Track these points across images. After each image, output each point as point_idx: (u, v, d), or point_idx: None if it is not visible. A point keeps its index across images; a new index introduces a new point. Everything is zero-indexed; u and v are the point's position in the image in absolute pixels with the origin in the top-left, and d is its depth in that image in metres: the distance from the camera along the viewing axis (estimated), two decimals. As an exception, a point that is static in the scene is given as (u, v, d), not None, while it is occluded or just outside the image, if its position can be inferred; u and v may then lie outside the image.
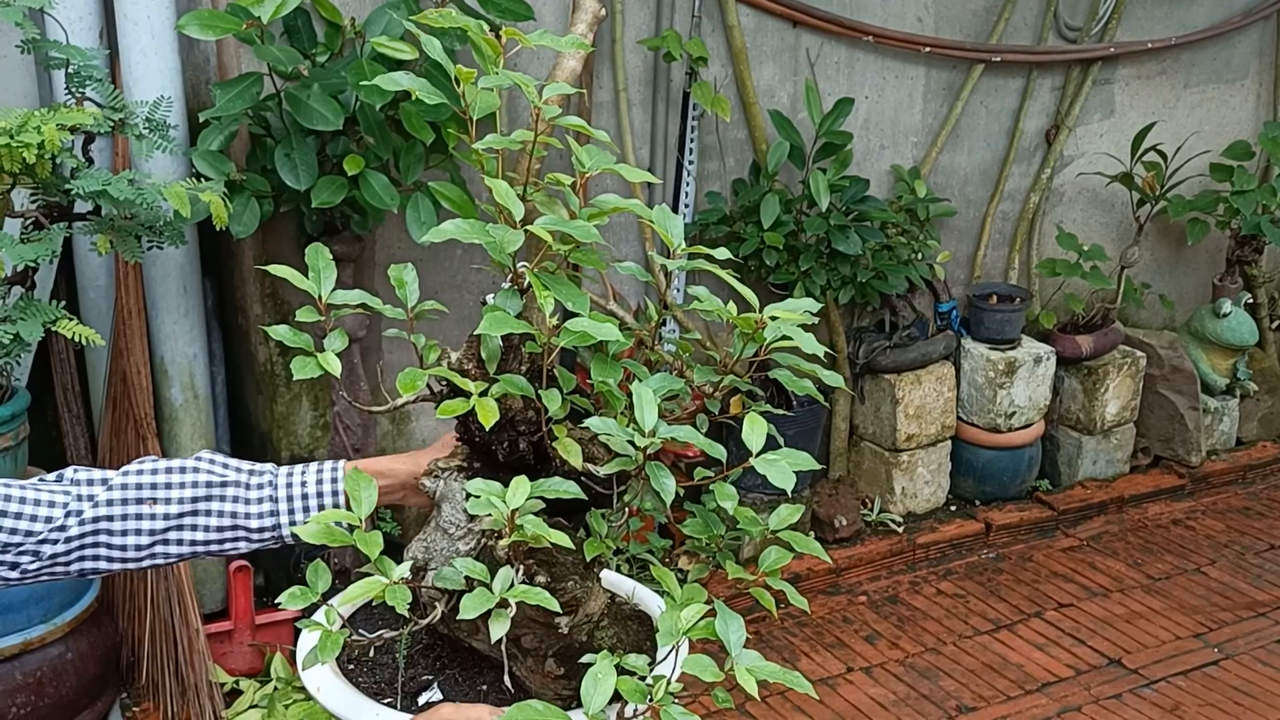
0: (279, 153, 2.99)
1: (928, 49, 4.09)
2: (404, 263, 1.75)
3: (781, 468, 1.57)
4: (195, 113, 3.31)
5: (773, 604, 1.65)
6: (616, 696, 1.48)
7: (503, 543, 1.56)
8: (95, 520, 1.66)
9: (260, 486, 1.72)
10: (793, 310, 1.74)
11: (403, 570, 1.58)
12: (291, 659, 3.40)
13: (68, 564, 1.68)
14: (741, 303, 1.78)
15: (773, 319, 1.71)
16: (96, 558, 1.68)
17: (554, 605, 1.53)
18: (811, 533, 4.13)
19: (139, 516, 1.68)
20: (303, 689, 3.36)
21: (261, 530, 1.72)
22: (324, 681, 1.70)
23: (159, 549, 1.70)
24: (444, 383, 1.70)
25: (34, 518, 1.64)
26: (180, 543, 1.70)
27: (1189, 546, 4.35)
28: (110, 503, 1.67)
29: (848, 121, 3.88)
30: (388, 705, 1.67)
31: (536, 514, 1.61)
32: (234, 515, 1.71)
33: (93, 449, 3.53)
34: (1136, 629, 3.83)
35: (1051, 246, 4.60)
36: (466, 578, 1.59)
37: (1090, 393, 4.49)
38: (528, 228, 1.61)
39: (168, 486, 1.69)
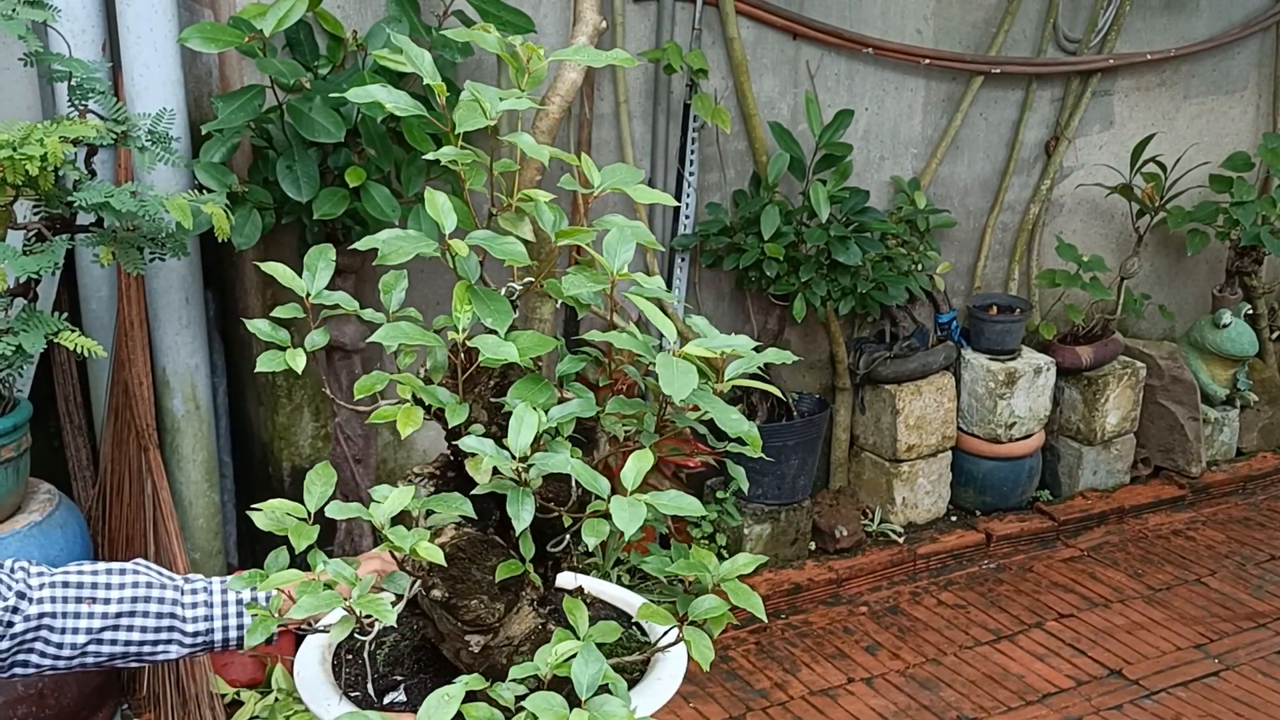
0: (281, 165, 3.00)
1: (927, 61, 4.11)
2: (402, 272, 1.77)
3: (638, 509, 1.54)
4: (197, 125, 3.33)
5: (704, 657, 1.63)
6: None
7: (376, 549, 1.61)
8: (40, 616, 1.65)
9: (195, 592, 1.74)
10: (712, 347, 1.67)
11: (335, 567, 1.61)
12: (292, 669, 3.40)
13: (7, 661, 1.67)
14: (747, 320, 1.77)
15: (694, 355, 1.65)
16: (30, 653, 1.67)
17: (388, 617, 1.53)
18: (812, 543, 4.13)
19: (78, 615, 1.67)
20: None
21: (195, 634, 1.73)
22: (304, 666, 1.76)
23: (92, 648, 1.69)
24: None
25: (8, 606, 1.63)
26: (114, 643, 1.70)
27: (1189, 557, 4.35)
28: (53, 599, 1.66)
29: (848, 133, 3.89)
30: (355, 698, 1.71)
31: (464, 524, 1.65)
32: (171, 616, 1.72)
33: (94, 460, 3.54)
34: (1137, 640, 3.83)
35: (1051, 257, 4.60)
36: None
37: (1090, 403, 4.50)
38: (452, 240, 1.63)
39: (107, 586, 1.69)
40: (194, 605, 1.73)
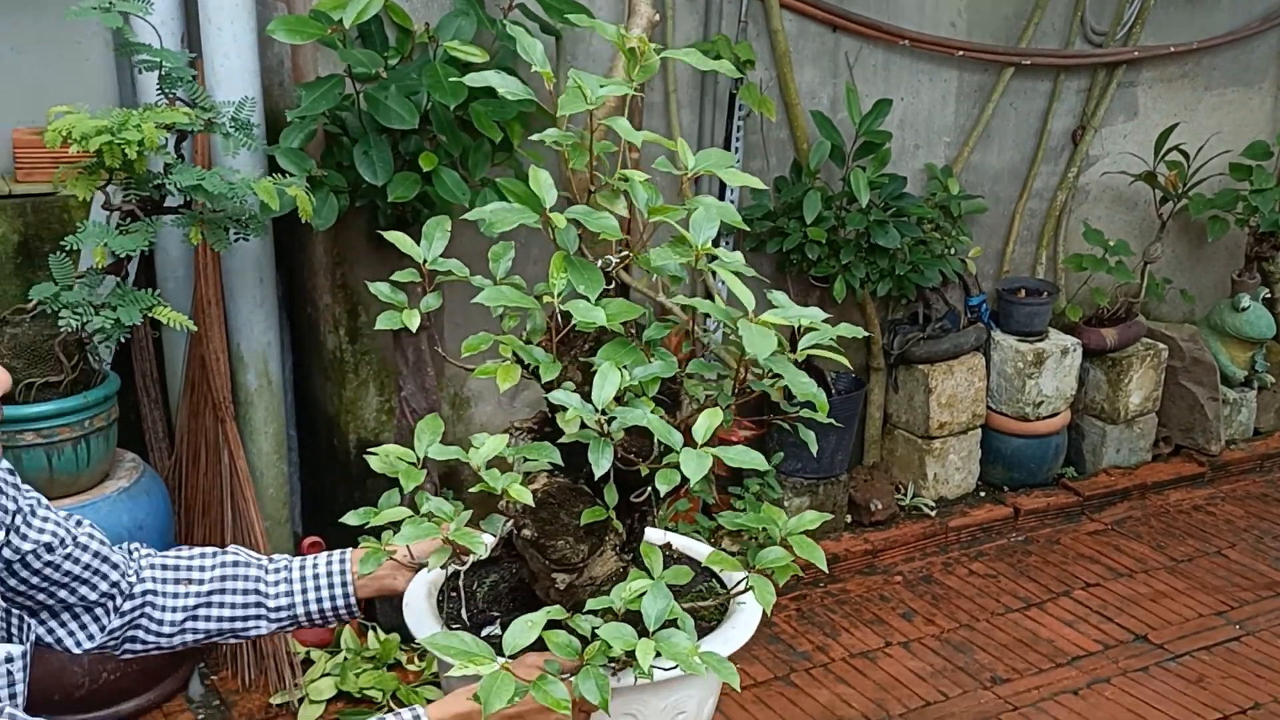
0: (358, 150, 3.17)
1: (961, 53, 4.27)
2: (473, 252, 1.92)
3: (705, 460, 1.63)
4: (270, 112, 3.50)
5: (766, 601, 1.78)
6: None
7: (473, 489, 1.75)
8: (144, 595, 1.79)
9: (278, 570, 1.87)
10: (788, 317, 1.82)
11: (435, 504, 1.77)
12: (360, 631, 3.58)
13: (120, 638, 1.80)
14: (763, 303, 1.90)
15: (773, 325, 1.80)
16: (138, 629, 1.81)
17: (479, 547, 1.72)
18: (848, 515, 4.30)
19: (175, 595, 1.81)
20: (371, 659, 3.55)
21: (278, 610, 1.86)
22: (412, 599, 1.91)
23: (189, 625, 1.82)
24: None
25: (121, 576, 1.78)
26: (209, 619, 1.82)
27: (1210, 530, 4.53)
28: (154, 580, 1.81)
29: (884, 121, 4.06)
30: (454, 629, 1.87)
31: (557, 473, 1.81)
32: (257, 593, 1.85)
33: (169, 432, 3.72)
34: (1161, 607, 4.01)
35: (1077, 242, 4.77)
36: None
37: (1114, 383, 4.67)
38: (551, 213, 1.79)
39: (201, 569, 1.83)
40: (276, 583, 1.86)
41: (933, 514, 4.39)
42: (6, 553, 1.64)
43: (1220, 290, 5.21)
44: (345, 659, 3.50)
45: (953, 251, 4.24)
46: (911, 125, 4.32)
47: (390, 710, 3.30)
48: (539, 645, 1.67)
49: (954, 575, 4.17)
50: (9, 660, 1.60)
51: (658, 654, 1.67)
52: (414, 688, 3.44)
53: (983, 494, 4.59)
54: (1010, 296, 4.53)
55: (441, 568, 1.90)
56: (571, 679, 1.62)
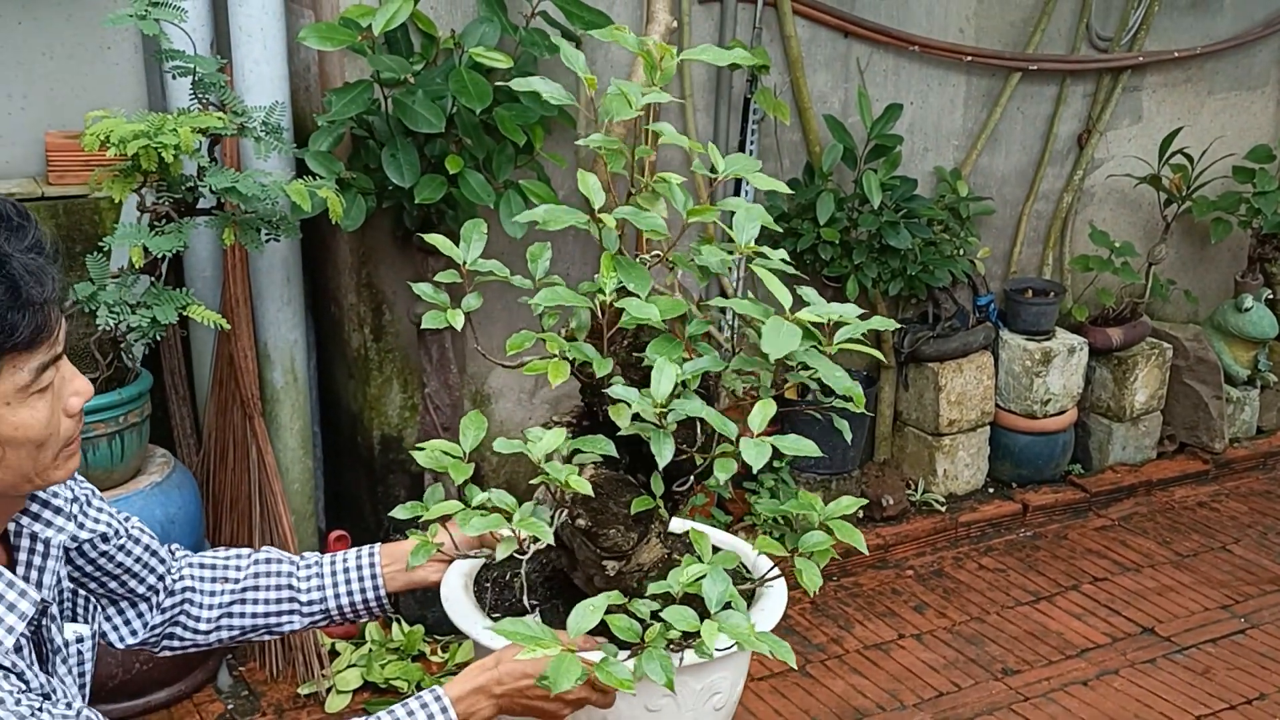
0: (386, 154, 3.25)
1: (969, 58, 4.36)
2: (494, 253, 1.99)
3: (764, 448, 1.71)
4: (296, 116, 3.58)
5: (812, 583, 1.86)
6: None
7: (533, 481, 1.80)
8: (183, 591, 1.85)
9: (309, 566, 1.93)
10: (821, 314, 1.88)
11: (484, 497, 1.84)
12: (384, 623, 3.67)
13: (160, 634, 1.86)
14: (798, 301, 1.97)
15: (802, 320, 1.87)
16: (176, 626, 1.86)
17: (547, 536, 1.75)
18: (860, 511, 4.38)
19: (211, 593, 1.87)
20: (395, 650, 3.63)
21: (311, 603, 1.91)
22: (451, 592, 1.97)
23: (224, 621, 1.87)
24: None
25: (167, 571, 1.84)
26: (243, 615, 1.87)
27: (1214, 526, 4.61)
28: (193, 578, 1.87)
29: (895, 125, 4.14)
30: (496, 619, 1.93)
31: (601, 465, 1.86)
32: (290, 588, 1.90)
33: (197, 429, 3.80)
34: (1167, 601, 4.09)
35: (1083, 244, 4.86)
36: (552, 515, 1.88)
37: (1120, 382, 4.75)
38: (602, 215, 1.86)
39: (237, 569, 1.90)
40: (308, 578, 1.91)
41: (943, 509, 4.47)
42: (66, 540, 1.71)
43: (1224, 291, 5.29)
44: (370, 650, 3.58)
45: (961, 252, 4.32)
46: (921, 129, 4.40)
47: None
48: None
49: (964, 569, 4.26)
50: (79, 640, 1.67)
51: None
52: (438, 678, 3.52)
53: (991, 490, 4.67)
54: (1018, 296, 4.62)
55: (489, 558, 1.97)
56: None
